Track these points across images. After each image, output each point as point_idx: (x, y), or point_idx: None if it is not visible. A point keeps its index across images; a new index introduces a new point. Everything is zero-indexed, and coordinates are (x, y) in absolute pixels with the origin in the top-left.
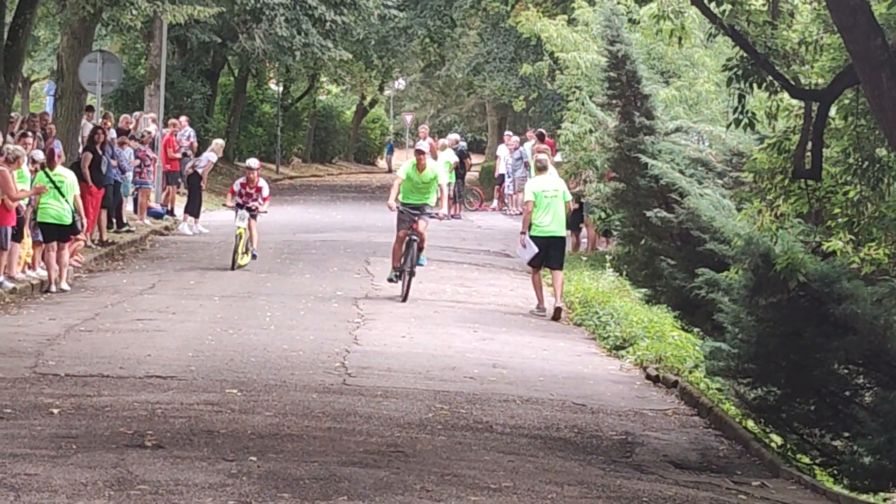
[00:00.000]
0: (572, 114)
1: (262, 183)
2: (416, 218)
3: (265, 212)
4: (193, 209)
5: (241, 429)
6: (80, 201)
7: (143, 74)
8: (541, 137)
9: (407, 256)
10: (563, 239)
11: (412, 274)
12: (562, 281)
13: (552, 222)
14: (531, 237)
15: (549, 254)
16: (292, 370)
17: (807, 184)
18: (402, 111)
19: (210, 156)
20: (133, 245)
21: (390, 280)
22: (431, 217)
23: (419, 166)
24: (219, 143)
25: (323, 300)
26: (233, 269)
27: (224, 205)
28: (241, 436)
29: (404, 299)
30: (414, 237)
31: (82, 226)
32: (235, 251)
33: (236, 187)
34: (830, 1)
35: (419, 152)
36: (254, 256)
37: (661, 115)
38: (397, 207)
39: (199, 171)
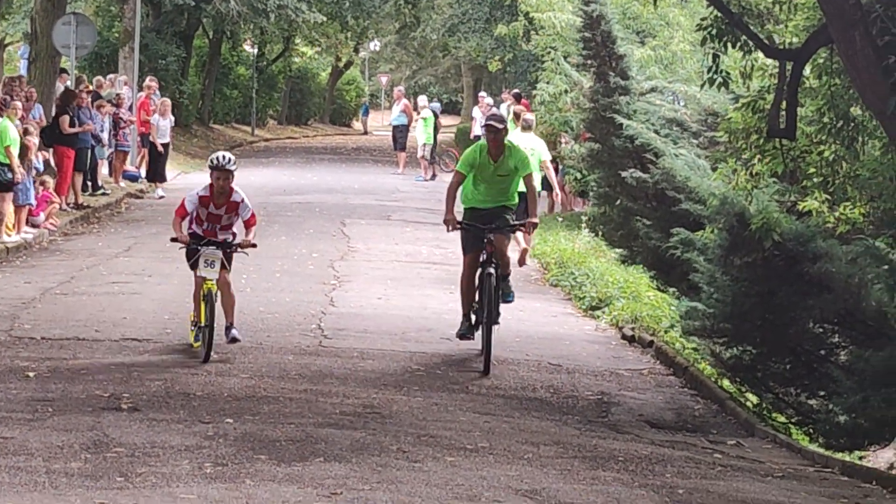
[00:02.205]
0: (547, 74)
1: (238, 194)
2: (491, 236)
3: (253, 245)
4: (157, 174)
5: (217, 391)
6: (11, 153)
7: (117, 37)
8: (517, 98)
9: (483, 296)
10: (539, 193)
11: (492, 323)
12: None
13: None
14: None
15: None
16: (268, 332)
17: (781, 143)
18: (378, 73)
19: (154, 118)
20: (108, 208)
21: (462, 336)
22: (515, 230)
23: (493, 151)
24: (165, 102)
25: (299, 262)
26: (205, 361)
27: (173, 239)
28: (217, 398)
29: (486, 370)
30: (492, 265)
31: (12, 180)
32: (204, 329)
33: (191, 205)
34: None
35: (493, 128)
36: (234, 339)
37: (637, 75)
38: (458, 223)
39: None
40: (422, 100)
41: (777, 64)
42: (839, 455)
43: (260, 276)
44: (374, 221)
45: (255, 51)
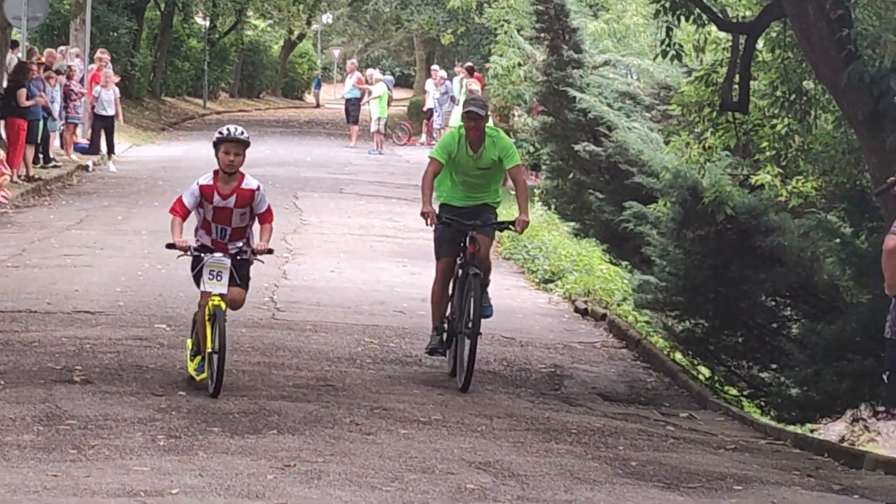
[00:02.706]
0: (501, 47)
1: (251, 180)
2: (473, 233)
3: (269, 251)
4: (98, 146)
5: (170, 364)
6: None
7: (68, 9)
8: (470, 71)
9: (463, 304)
10: None
11: (472, 335)
12: None
13: None
14: None
15: None
16: None
17: (734, 117)
18: (330, 45)
19: (96, 89)
20: (60, 180)
21: (433, 352)
22: (504, 229)
23: (473, 141)
24: (108, 73)
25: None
26: (216, 395)
27: (169, 245)
28: (170, 371)
29: (465, 387)
30: (473, 269)
31: None
32: (212, 356)
33: (190, 199)
34: None
35: (473, 115)
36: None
37: (590, 48)
38: (438, 219)
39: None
40: (374, 73)
41: (730, 37)
42: (791, 428)
43: None
44: (327, 194)
45: (207, 23)
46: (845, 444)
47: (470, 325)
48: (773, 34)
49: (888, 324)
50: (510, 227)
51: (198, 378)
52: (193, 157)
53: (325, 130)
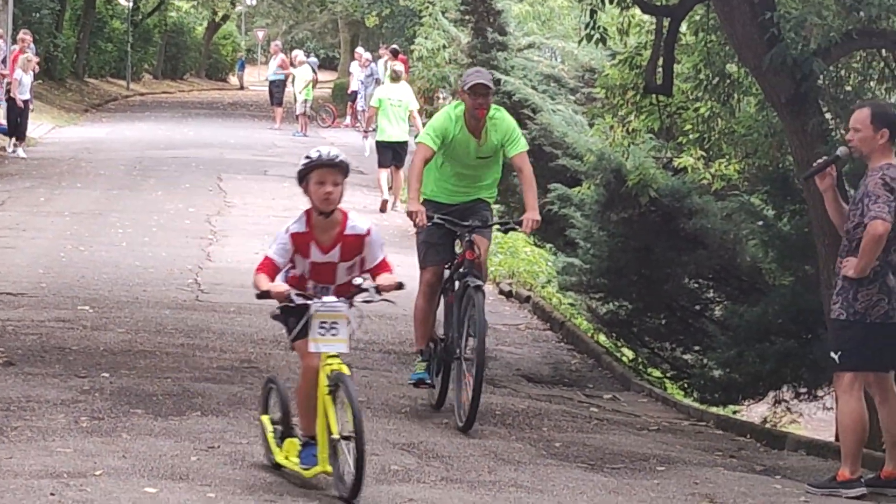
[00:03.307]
0: (425, 29)
1: (358, 222)
2: (471, 236)
3: (399, 286)
4: (16, 131)
5: (93, 345)
6: None
7: None
8: (394, 54)
9: (461, 324)
10: (406, 142)
11: (479, 362)
12: (401, 178)
13: (396, 129)
14: (380, 143)
15: (395, 154)
16: (144, 287)
17: (658, 99)
18: (254, 27)
19: (17, 73)
20: None
21: (420, 383)
22: (508, 230)
23: (476, 122)
24: (30, 58)
25: (175, 217)
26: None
27: (264, 294)
28: (93, 352)
29: (467, 426)
30: (474, 281)
31: None
32: (338, 443)
33: (282, 254)
34: None
35: (482, 89)
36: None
37: (514, 30)
38: (426, 218)
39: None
40: (299, 54)
41: (654, 20)
42: (714, 409)
43: (136, 231)
44: (251, 176)
45: (131, 4)
46: (767, 426)
47: (470, 350)
48: (697, 17)
49: (837, 304)
50: (516, 227)
51: (306, 474)
52: (115, 138)
53: (249, 112)
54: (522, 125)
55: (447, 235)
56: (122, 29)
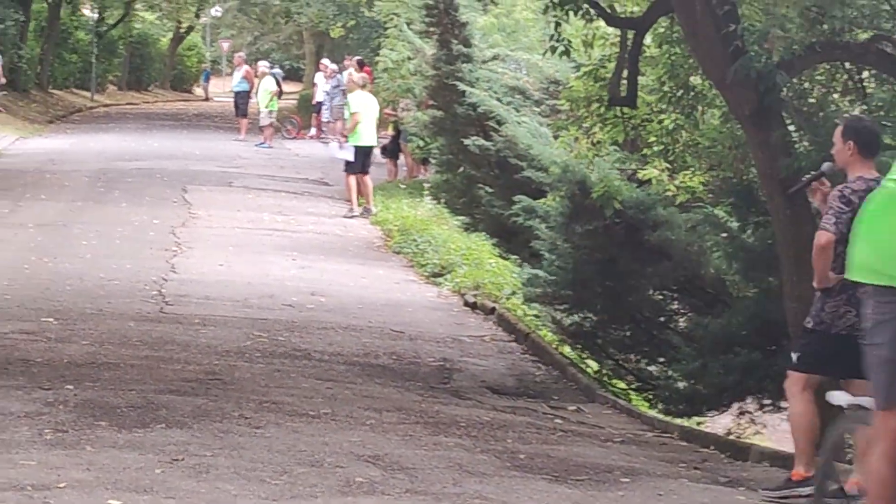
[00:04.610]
0: (391, 41)
1: None
2: None
3: None
4: None
5: (57, 357)
6: None
7: None
8: (360, 65)
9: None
10: (373, 147)
11: None
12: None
13: (371, 134)
14: (356, 146)
15: (365, 162)
16: (109, 299)
17: (623, 112)
18: (219, 38)
19: None
20: None
21: None
22: None
23: None
24: None
25: (140, 229)
26: None
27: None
28: (57, 365)
29: None
30: None
31: None
32: None
33: None
34: None
35: None
36: None
37: (479, 42)
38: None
39: None
40: (262, 65)
41: (618, 33)
42: (678, 420)
43: (100, 243)
44: (216, 188)
45: (96, 15)
46: (732, 437)
47: None
48: (661, 30)
49: (810, 313)
50: None
51: None
52: (80, 149)
53: (214, 123)
54: (487, 137)
55: None
56: (87, 40)
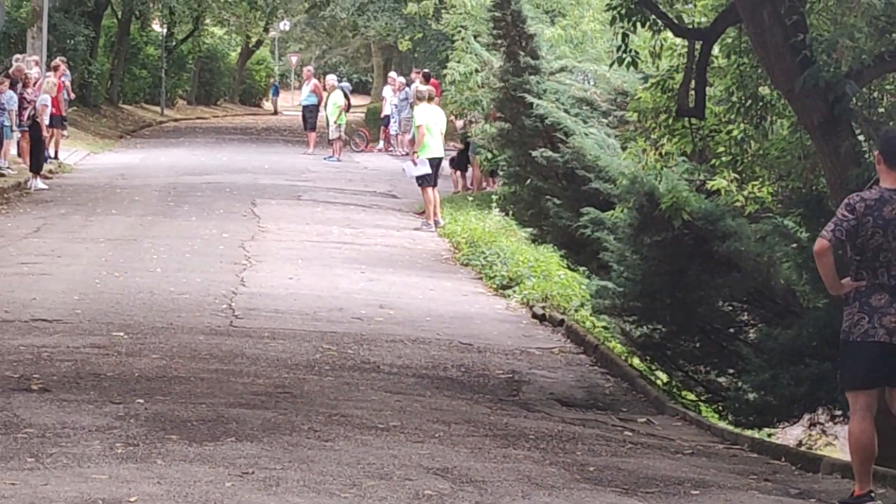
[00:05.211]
0: (458, 54)
1: None
2: None
3: None
4: (36, 164)
5: (127, 371)
6: None
7: (25, 17)
8: (426, 78)
9: None
10: (442, 159)
11: None
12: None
13: (438, 146)
14: (426, 158)
15: (435, 173)
16: (179, 312)
17: (690, 122)
18: (288, 52)
19: (44, 99)
20: (17, 188)
21: None
22: None
23: None
24: (51, 81)
25: (209, 242)
26: None
27: None
28: (128, 378)
29: None
30: None
31: None
32: None
33: None
34: None
35: None
36: None
37: (546, 54)
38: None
39: (38, 119)
40: (330, 78)
41: (686, 43)
42: (749, 432)
43: (170, 257)
44: (285, 201)
45: (165, 31)
46: (802, 449)
47: None
48: (729, 40)
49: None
50: None
51: None
52: (150, 164)
53: (282, 137)
54: (555, 149)
55: None
56: (156, 55)
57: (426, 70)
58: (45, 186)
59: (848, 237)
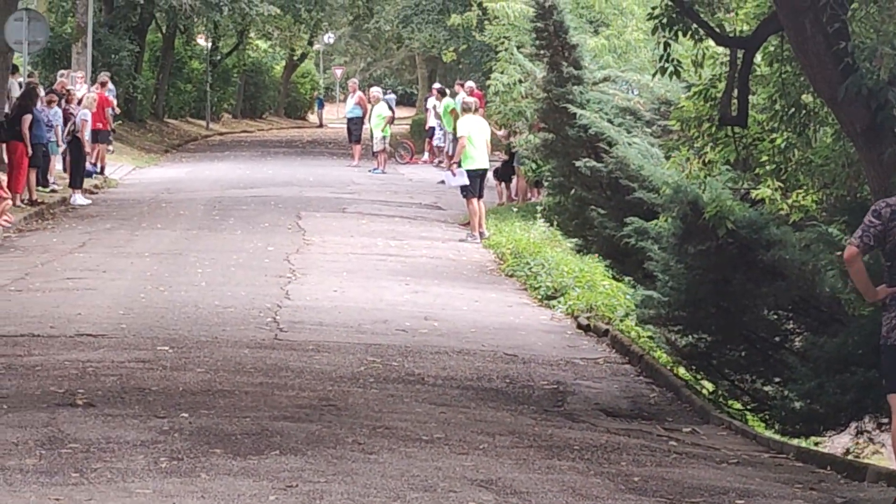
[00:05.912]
0: (501, 64)
1: None
2: None
3: None
4: (76, 180)
5: (172, 386)
6: None
7: (69, 32)
8: (469, 89)
9: None
10: (486, 170)
11: None
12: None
13: (482, 157)
14: (467, 170)
15: (480, 184)
16: (224, 326)
17: (734, 131)
18: (332, 65)
19: (84, 114)
20: (62, 204)
21: None
22: None
23: None
24: (90, 96)
25: (254, 256)
26: None
27: None
28: (172, 393)
29: None
30: None
31: None
32: None
33: None
34: None
35: None
36: None
37: (589, 64)
38: None
39: (78, 134)
40: (375, 91)
41: (728, 52)
42: (795, 441)
43: (215, 270)
44: (330, 214)
45: (209, 45)
46: (849, 457)
47: None
48: (771, 48)
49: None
50: None
51: None
52: (195, 178)
53: (327, 150)
54: (598, 159)
55: None
56: (201, 69)
57: (470, 82)
58: (88, 202)
59: (877, 242)
